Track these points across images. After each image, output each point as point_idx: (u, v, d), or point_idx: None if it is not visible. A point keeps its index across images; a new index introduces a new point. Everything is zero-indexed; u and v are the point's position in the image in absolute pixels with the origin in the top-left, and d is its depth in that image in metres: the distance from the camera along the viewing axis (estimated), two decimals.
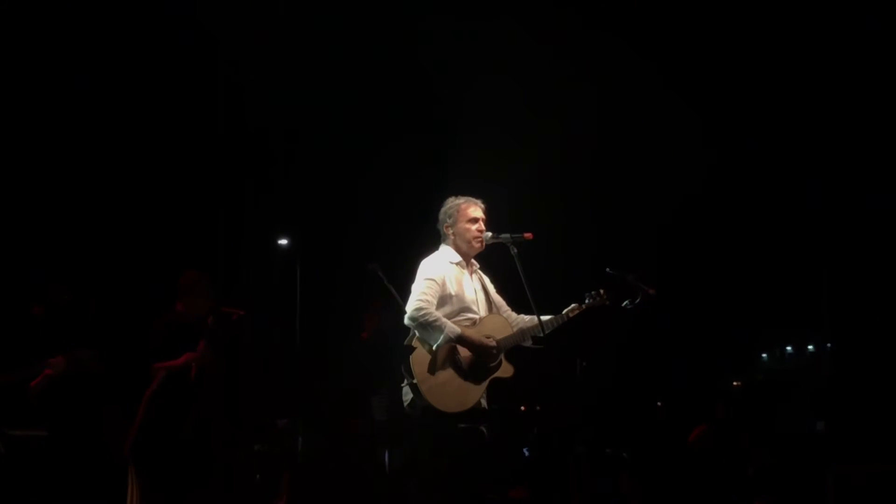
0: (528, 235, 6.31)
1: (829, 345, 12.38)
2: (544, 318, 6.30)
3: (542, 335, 6.31)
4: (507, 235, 6.34)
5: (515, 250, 6.24)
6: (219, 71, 10.19)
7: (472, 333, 6.15)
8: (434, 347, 6.03)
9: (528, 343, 6.41)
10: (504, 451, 8.82)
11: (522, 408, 10.42)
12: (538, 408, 10.43)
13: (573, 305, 6.49)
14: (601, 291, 6.50)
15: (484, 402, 6.24)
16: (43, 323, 7.46)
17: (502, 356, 6.25)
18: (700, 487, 8.79)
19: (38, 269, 8.07)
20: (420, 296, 6.15)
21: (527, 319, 6.45)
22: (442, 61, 10.10)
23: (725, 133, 11.05)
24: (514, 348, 6.33)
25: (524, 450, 10.44)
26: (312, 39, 10.04)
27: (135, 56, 9.48)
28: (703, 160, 10.88)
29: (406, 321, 6.13)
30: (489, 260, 6.66)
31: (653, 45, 10.26)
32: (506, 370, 6.26)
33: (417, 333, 6.11)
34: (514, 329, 6.38)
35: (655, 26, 10.20)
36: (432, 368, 6.05)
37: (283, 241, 11.90)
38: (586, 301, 6.49)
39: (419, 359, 6.05)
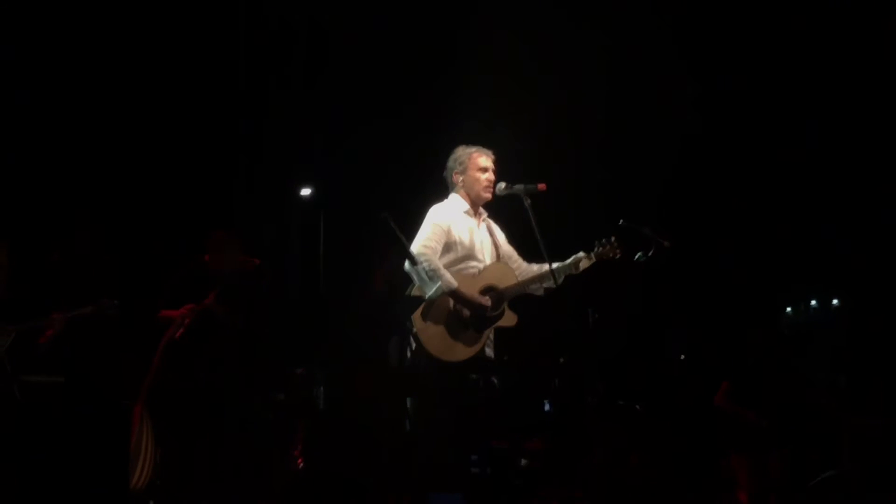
0: (541, 186, 6.28)
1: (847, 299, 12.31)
2: (554, 265, 6.26)
3: (555, 286, 6.29)
4: (521, 186, 6.32)
5: (529, 201, 6.22)
6: (239, 18, 10.14)
7: (467, 289, 6.13)
8: (427, 297, 6.04)
9: (540, 292, 6.38)
10: (517, 402, 8.84)
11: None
12: (560, 360, 10.39)
13: (581, 254, 6.43)
14: (612, 239, 6.44)
15: (490, 352, 6.24)
16: (62, 271, 7.53)
17: (505, 305, 6.24)
18: (714, 438, 8.77)
19: (57, 216, 8.11)
20: (424, 241, 6.18)
21: (535, 269, 6.43)
22: (454, 12, 10.05)
23: (744, 76, 10.93)
24: (521, 297, 6.32)
25: (545, 402, 10.42)
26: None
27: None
28: (718, 110, 10.80)
29: (406, 266, 6.13)
30: (502, 211, 6.65)
31: None
32: (509, 319, 6.25)
33: (415, 280, 6.12)
34: (521, 278, 6.36)
35: None
36: (432, 317, 6.08)
37: (307, 191, 11.92)
38: (596, 249, 6.43)
39: (420, 307, 6.06)
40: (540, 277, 6.34)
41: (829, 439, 8.41)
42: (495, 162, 6.50)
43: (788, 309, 15.04)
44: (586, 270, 6.44)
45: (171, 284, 7.56)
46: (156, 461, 7.11)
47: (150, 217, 9.37)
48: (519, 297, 6.35)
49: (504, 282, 6.29)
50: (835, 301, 14.57)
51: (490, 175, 6.43)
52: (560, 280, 6.31)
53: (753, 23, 10.41)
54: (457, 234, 6.27)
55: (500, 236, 6.59)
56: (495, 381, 6.32)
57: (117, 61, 9.47)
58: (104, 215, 8.57)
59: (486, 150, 6.51)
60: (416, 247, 6.16)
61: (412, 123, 10.70)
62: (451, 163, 6.54)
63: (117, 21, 9.32)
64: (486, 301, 6.15)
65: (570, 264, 6.39)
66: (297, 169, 11.47)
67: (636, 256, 6.43)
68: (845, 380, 10.48)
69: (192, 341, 7.30)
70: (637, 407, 9.53)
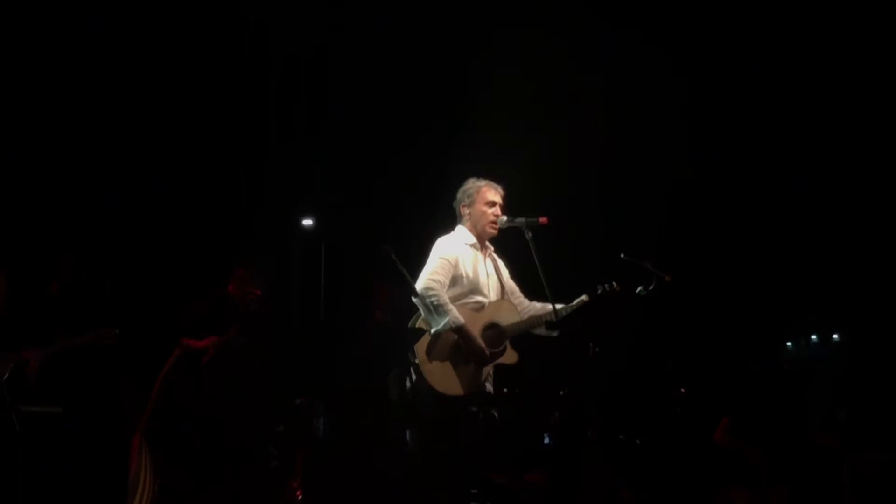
0: (543, 220, 6.27)
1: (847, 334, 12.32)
2: (557, 306, 6.25)
3: (555, 321, 6.26)
4: (523, 220, 6.31)
5: (530, 234, 6.21)
6: (244, 49, 10.19)
7: (472, 330, 6.11)
8: (433, 332, 6.03)
9: (541, 331, 6.38)
10: (516, 435, 8.81)
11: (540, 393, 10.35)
12: (561, 393, 10.36)
13: (584, 297, 6.40)
14: (613, 284, 6.41)
15: (489, 387, 6.22)
16: (60, 300, 7.53)
17: (507, 342, 6.22)
18: (715, 476, 8.73)
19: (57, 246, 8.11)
20: (431, 275, 6.16)
21: (538, 307, 6.43)
22: (456, 48, 10.09)
23: (748, 116, 10.98)
24: (522, 335, 6.31)
25: (545, 436, 10.38)
26: (334, 31, 10.07)
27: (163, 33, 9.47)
28: (720, 146, 10.84)
29: (413, 298, 6.12)
30: (503, 244, 6.64)
31: (656, 31, 10.21)
32: (510, 356, 6.24)
33: (422, 313, 6.12)
34: (524, 316, 6.35)
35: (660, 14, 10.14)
36: (436, 351, 6.06)
37: (308, 222, 11.93)
38: (598, 293, 6.41)
39: (423, 340, 6.05)
40: (541, 317, 6.33)
41: (829, 475, 8.38)
42: (504, 198, 6.49)
43: (789, 344, 15.06)
44: (587, 304, 6.41)
45: (196, 314, 7.58)
46: (155, 492, 7.08)
47: (153, 246, 9.37)
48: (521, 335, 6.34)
49: (507, 319, 6.29)
50: (835, 336, 14.59)
51: (497, 210, 6.41)
52: (561, 318, 6.28)
53: (751, 59, 10.47)
54: (463, 267, 6.26)
55: (504, 271, 6.59)
56: (495, 413, 6.29)
57: (122, 94, 9.50)
58: (105, 242, 8.57)
59: (495, 185, 6.49)
60: (423, 280, 6.14)
61: (413, 156, 10.72)
62: (460, 194, 6.53)
63: (121, 61, 9.35)
64: (486, 352, 6.12)
65: (572, 307, 6.37)
66: (299, 199, 11.50)
67: (637, 290, 6.41)
68: (845, 415, 10.45)
69: (209, 372, 7.31)
70: (637, 441, 9.50)
